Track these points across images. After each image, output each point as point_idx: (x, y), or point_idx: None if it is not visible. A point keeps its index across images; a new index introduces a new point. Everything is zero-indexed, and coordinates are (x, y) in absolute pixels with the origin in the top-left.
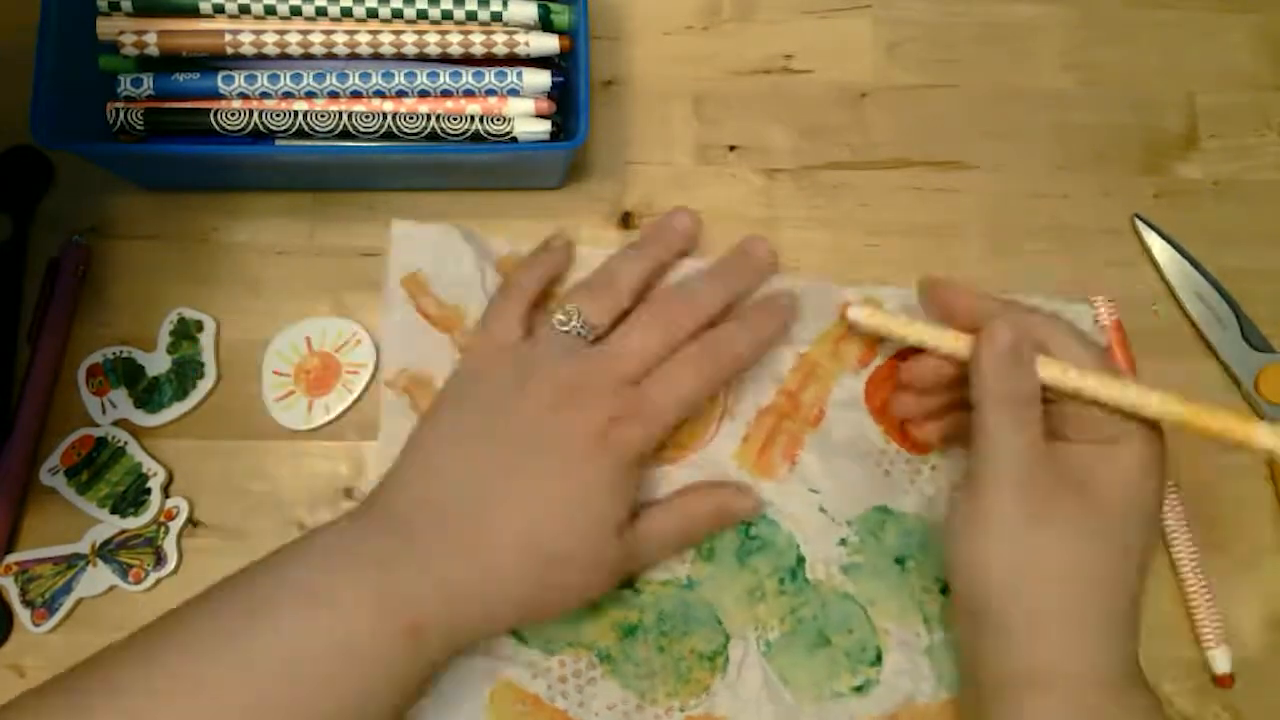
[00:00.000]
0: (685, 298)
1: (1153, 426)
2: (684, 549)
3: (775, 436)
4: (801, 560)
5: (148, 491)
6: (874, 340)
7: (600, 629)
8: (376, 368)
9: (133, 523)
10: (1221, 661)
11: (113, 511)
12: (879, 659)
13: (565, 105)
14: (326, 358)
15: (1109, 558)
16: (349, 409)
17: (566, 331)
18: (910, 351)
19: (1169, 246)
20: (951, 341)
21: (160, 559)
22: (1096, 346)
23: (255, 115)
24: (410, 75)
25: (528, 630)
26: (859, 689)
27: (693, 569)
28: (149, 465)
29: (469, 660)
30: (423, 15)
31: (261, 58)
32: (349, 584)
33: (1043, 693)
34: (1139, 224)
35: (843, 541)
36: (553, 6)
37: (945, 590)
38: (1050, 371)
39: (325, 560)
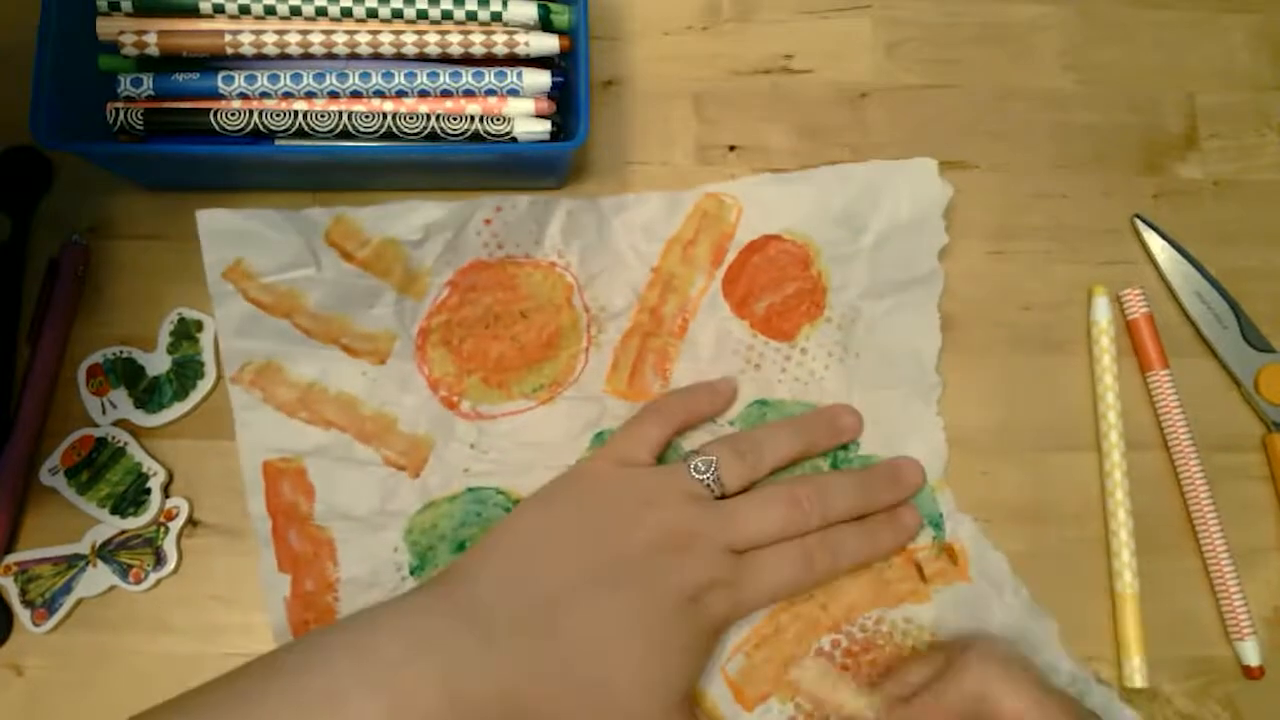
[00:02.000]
0: (821, 495)
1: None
2: None
3: (644, 355)
4: None
5: (147, 491)
6: (723, 235)
7: None
8: None
9: (133, 523)
10: (1250, 653)
11: (113, 512)
12: None
13: (565, 105)
14: None
15: None
16: None
17: (699, 479)
18: (764, 241)
19: (1169, 246)
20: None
21: (160, 559)
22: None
23: (255, 115)
24: (410, 75)
25: None
26: None
27: None
28: (149, 465)
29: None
30: (423, 15)
31: (261, 58)
32: (418, 670)
33: None
34: (1139, 224)
35: None
36: (553, 6)
37: (835, 465)
38: None
39: (397, 641)
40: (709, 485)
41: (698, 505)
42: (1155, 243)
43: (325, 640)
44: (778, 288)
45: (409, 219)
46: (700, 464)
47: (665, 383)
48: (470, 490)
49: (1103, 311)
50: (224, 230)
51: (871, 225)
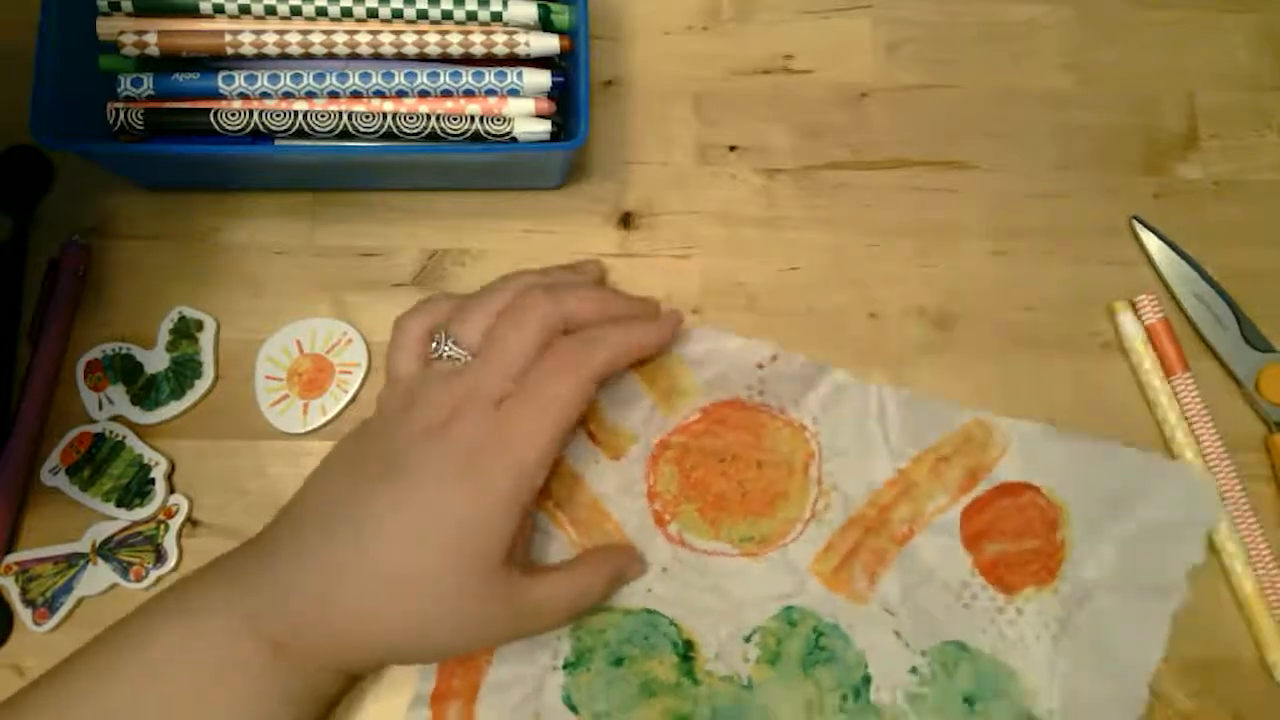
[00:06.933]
0: (552, 292)
1: None
2: (578, 616)
3: (858, 551)
4: (868, 680)
5: (151, 481)
6: (980, 466)
7: (652, 714)
8: (369, 367)
9: (140, 514)
10: None
11: (119, 505)
12: None
13: (565, 105)
14: (318, 359)
15: None
16: (345, 408)
17: (437, 356)
18: (1019, 488)
19: (1167, 248)
20: None
21: (160, 556)
22: None
23: (255, 115)
24: (410, 75)
25: (581, 706)
26: None
27: (755, 669)
28: (150, 456)
29: None
30: (423, 15)
31: (261, 58)
32: (218, 600)
33: None
34: (1137, 226)
35: (914, 670)
36: (553, 6)
37: (970, 703)
38: None
39: (203, 579)
40: (452, 357)
41: (452, 377)
42: (1153, 244)
43: (157, 608)
44: (1017, 539)
45: (697, 344)
46: (431, 344)
47: (871, 584)
48: (648, 611)
49: (1131, 326)
50: None
51: (1135, 514)
